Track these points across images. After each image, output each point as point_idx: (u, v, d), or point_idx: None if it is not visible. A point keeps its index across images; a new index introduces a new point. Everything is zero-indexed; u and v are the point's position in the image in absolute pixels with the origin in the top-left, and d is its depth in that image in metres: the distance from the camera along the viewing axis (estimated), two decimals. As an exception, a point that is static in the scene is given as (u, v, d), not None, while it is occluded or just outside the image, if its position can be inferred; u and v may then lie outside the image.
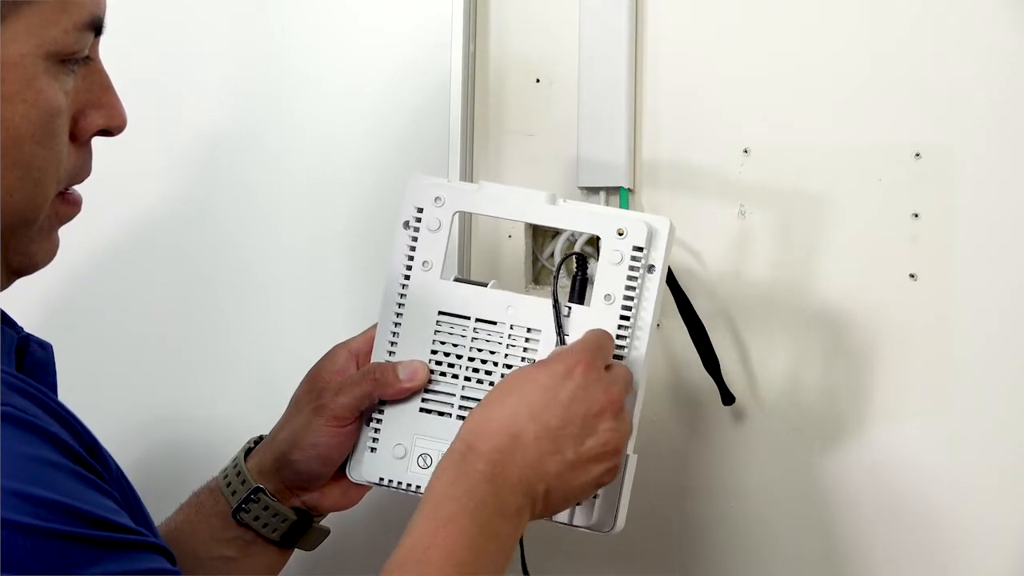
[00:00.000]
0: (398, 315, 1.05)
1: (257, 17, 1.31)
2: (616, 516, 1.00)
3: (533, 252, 1.29)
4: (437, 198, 1.04)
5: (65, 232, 0.89)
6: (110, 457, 0.82)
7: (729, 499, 1.24)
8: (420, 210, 1.05)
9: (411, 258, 1.05)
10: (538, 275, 1.29)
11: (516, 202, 1.05)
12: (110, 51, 0.89)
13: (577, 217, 1.04)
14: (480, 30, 1.29)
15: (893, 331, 1.21)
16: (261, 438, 1.09)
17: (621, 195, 1.24)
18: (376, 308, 1.06)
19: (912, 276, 1.20)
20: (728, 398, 1.21)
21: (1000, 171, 1.18)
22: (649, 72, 1.26)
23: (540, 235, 1.29)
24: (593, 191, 1.26)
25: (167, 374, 1.31)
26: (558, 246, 1.25)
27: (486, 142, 1.29)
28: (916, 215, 1.20)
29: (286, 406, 1.10)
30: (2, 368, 0.77)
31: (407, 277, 1.05)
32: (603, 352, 0.97)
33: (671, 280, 1.18)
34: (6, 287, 0.87)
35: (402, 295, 1.05)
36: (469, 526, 0.86)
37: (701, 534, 1.24)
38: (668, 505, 1.25)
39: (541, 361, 0.96)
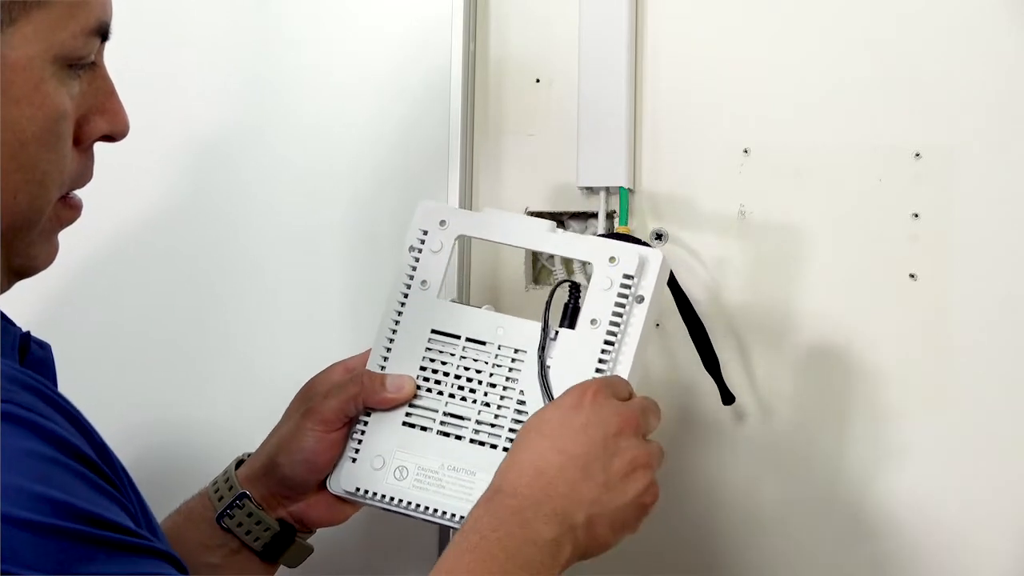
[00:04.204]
0: (393, 331, 1.07)
1: (256, 17, 1.31)
2: None
3: (533, 252, 1.29)
4: (442, 222, 1.08)
5: (61, 232, 0.89)
6: (118, 461, 0.82)
7: (729, 499, 1.24)
8: (425, 232, 1.08)
9: (411, 277, 1.07)
10: (538, 275, 1.29)
11: (518, 229, 1.08)
12: (107, 48, 0.88)
13: (575, 245, 1.08)
14: (480, 30, 1.29)
15: (893, 331, 1.21)
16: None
17: (621, 195, 1.24)
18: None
19: (912, 276, 1.20)
20: (728, 398, 1.21)
21: (1000, 171, 1.19)
22: (649, 72, 1.26)
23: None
24: (593, 191, 1.26)
25: (165, 374, 1.31)
26: (556, 268, 1.26)
27: (486, 142, 1.29)
28: (916, 215, 1.20)
29: (284, 407, 1.10)
30: (10, 364, 0.76)
31: (405, 296, 1.07)
32: (613, 386, 0.98)
33: (671, 280, 1.18)
34: (7, 289, 0.87)
35: (399, 312, 1.07)
36: (496, 552, 0.88)
37: (701, 534, 1.24)
38: (667, 505, 1.24)
39: (554, 400, 0.98)
